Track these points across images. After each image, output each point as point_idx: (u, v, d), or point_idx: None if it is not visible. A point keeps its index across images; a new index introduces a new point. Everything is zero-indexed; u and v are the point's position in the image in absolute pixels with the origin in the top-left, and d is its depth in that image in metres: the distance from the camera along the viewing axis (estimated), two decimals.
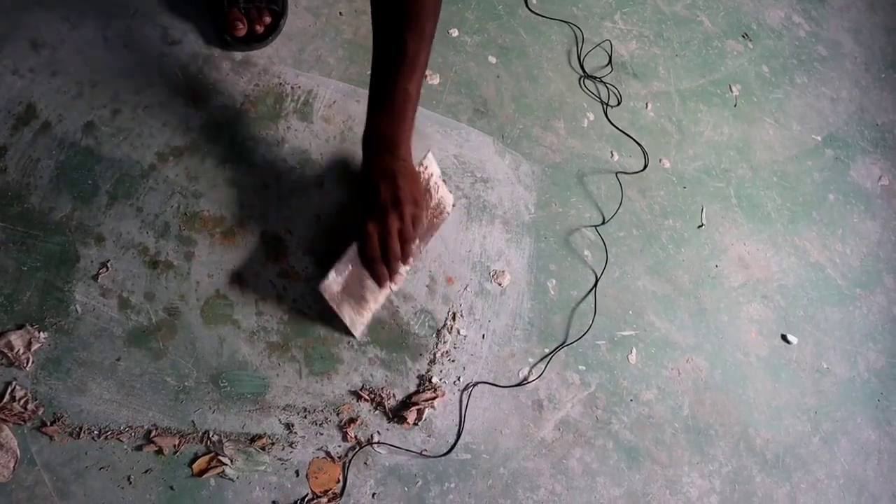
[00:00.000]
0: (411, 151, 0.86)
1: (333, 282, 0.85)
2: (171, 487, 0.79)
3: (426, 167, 0.93)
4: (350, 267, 0.86)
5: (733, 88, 1.23)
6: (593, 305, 0.99)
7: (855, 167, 1.25)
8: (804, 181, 1.20)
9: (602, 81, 1.14)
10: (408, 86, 0.81)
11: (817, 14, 1.37)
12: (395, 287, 0.89)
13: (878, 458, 1.05)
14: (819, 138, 1.24)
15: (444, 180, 0.96)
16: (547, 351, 0.95)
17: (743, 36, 1.29)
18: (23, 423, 0.77)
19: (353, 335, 0.88)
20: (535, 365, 0.95)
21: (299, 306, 0.89)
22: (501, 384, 0.92)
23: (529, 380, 0.93)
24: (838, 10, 1.39)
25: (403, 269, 0.85)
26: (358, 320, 0.87)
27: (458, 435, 0.89)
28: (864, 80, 1.33)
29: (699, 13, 1.28)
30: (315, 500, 0.82)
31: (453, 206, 0.97)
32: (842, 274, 1.15)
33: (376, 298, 0.89)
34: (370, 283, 0.86)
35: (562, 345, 0.96)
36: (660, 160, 1.12)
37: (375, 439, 0.85)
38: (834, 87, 1.30)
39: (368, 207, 0.84)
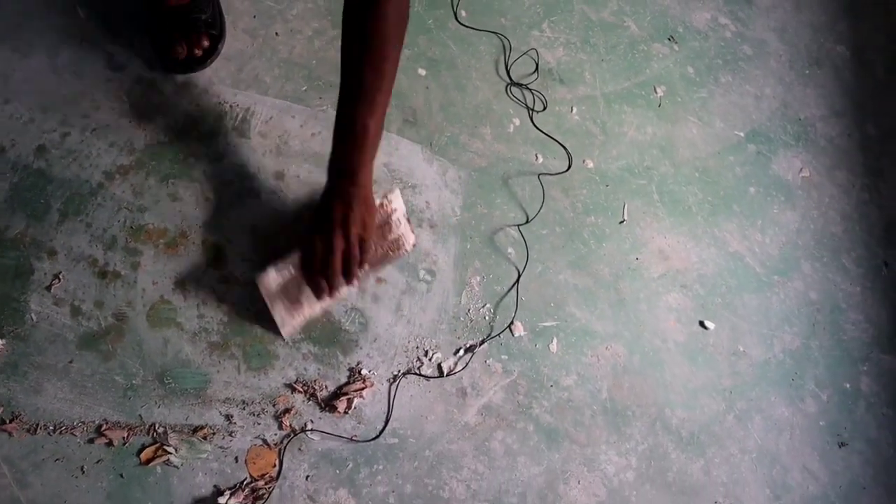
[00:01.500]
0: (372, 180, 0.92)
1: (272, 278, 0.93)
2: (121, 475, 0.87)
3: (390, 201, 1.01)
4: (291, 270, 0.94)
5: (658, 90, 1.30)
6: (514, 299, 1.07)
7: (777, 161, 1.32)
8: (725, 176, 1.27)
9: (528, 88, 1.22)
10: (367, 121, 0.86)
11: (744, 15, 1.44)
12: (331, 301, 0.96)
13: (791, 433, 1.13)
14: (742, 134, 1.32)
15: (408, 219, 1.03)
16: (471, 343, 1.04)
17: (669, 39, 1.36)
18: None
19: (280, 335, 0.96)
20: (460, 357, 1.03)
21: (238, 308, 0.97)
22: (427, 374, 1.00)
23: (455, 370, 1.01)
24: (765, 10, 1.45)
25: (344, 288, 0.93)
26: (288, 321, 0.95)
27: (386, 421, 0.97)
28: (788, 77, 1.40)
29: (626, 19, 1.35)
30: (253, 483, 0.90)
31: (414, 245, 1.04)
32: (760, 262, 1.23)
33: (311, 306, 0.96)
34: (308, 291, 0.94)
35: (488, 337, 1.04)
36: (583, 161, 1.20)
37: (309, 427, 0.94)
38: (758, 85, 1.37)
39: (317, 224, 0.90)
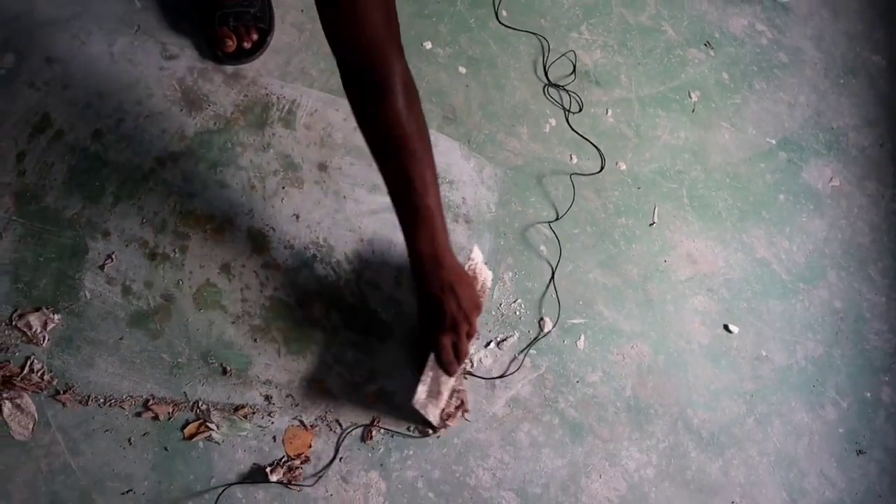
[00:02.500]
0: (454, 255, 0.93)
1: (421, 393, 0.96)
2: (166, 448, 0.92)
3: (474, 260, 1.04)
4: (430, 374, 0.97)
5: (692, 94, 1.32)
6: (546, 295, 1.10)
7: (807, 169, 1.33)
8: (756, 182, 1.29)
9: (565, 89, 1.24)
10: (427, 202, 0.86)
11: (780, 22, 1.45)
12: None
13: (809, 439, 1.15)
14: (773, 141, 1.33)
15: (485, 263, 1.07)
16: (501, 338, 1.07)
17: (705, 44, 1.37)
18: (40, 391, 0.91)
19: (433, 427, 0.99)
20: (493, 351, 1.06)
21: (279, 294, 1.01)
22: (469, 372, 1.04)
23: (508, 372, 1.05)
24: (802, 18, 1.46)
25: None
26: (434, 414, 0.98)
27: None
28: (823, 86, 1.41)
29: (663, 23, 1.36)
30: (289, 462, 0.94)
31: (492, 279, 1.07)
32: (786, 269, 1.24)
33: (448, 388, 0.99)
34: (444, 378, 0.98)
35: (535, 340, 1.07)
36: (616, 163, 1.22)
37: (344, 414, 0.98)
38: (792, 93, 1.38)
39: (439, 321, 0.92)
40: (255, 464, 0.94)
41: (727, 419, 1.13)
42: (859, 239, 1.28)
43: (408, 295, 1.06)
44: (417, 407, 0.95)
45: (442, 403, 0.99)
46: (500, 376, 1.05)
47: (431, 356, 0.96)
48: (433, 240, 0.89)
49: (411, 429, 0.99)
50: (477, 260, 1.05)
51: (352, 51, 0.82)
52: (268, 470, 0.92)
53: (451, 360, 0.93)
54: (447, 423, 0.99)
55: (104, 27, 1.08)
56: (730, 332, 1.18)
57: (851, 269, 1.26)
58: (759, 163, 1.31)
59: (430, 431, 0.99)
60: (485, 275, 1.05)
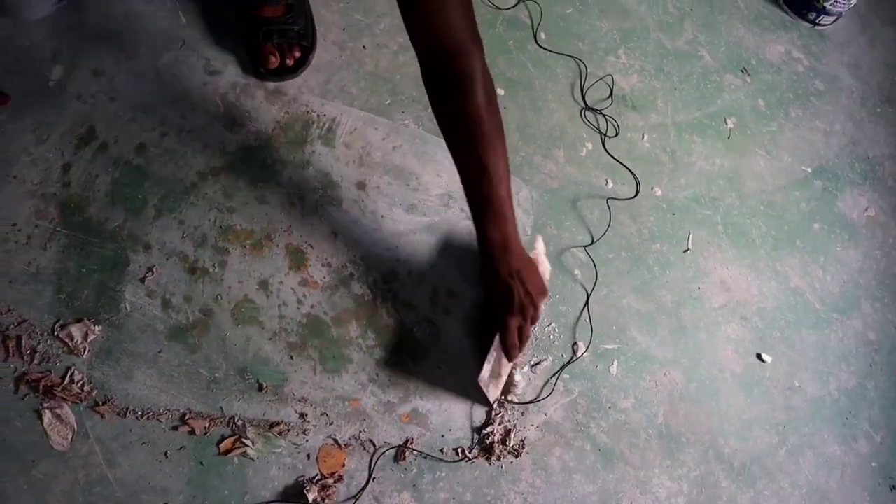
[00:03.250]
0: (521, 242, 0.97)
1: (486, 372, 0.99)
2: (201, 463, 0.92)
3: (537, 250, 1.08)
4: (495, 354, 1.00)
5: (728, 121, 1.32)
6: (580, 320, 1.10)
7: (842, 198, 1.32)
8: (790, 210, 1.28)
9: (602, 113, 1.24)
10: (500, 192, 0.90)
11: (817, 49, 1.44)
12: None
13: (842, 472, 1.14)
14: (809, 170, 1.33)
15: (546, 254, 1.10)
16: (534, 361, 1.07)
17: (742, 70, 1.37)
18: (79, 402, 0.92)
19: (490, 404, 1.02)
20: (526, 374, 1.06)
21: (316, 312, 1.01)
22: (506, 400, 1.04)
23: (540, 397, 1.05)
24: (839, 46, 1.46)
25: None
26: (494, 393, 1.01)
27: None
28: (859, 115, 1.40)
29: (700, 48, 1.36)
30: (323, 481, 0.94)
31: (549, 271, 1.10)
32: (820, 299, 1.24)
33: (507, 370, 1.03)
34: (505, 360, 1.01)
35: (568, 363, 1.07)
36: (652, 188, 1.22)
37: (378, 434, 0.98)
38: (828, 121, 1.38)
39: (507, 304, 0.95)
40: (289, 482, 0.94)
41: (759, 449, 1.12)
42: (894, 270, 1.28)
43: (443, 317, 1.06)
44: (482, 384, 0.98)
45: (501, 384, 1.02)
46: (533, 401, 1.04)
47: (497, 338, 0.99)
48: (504, 227, 0.93)
49: (444, 450, 0.99)
50: (539, 250, 1.08)
51: (435, 50, 0.84)
52: (305, 489, 0.92)
53: (516, 344, 0.96)
54: (505, 398, 1.03)
55: (150, 42, 1.10)
56: (763, 361, 1.17)
57: (886, 301, 1.25)
58: (795, 191, 1.30)
59: (488, 407, 1.03)
60: (545, 265, 1.08)
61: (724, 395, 1.13)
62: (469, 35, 0.85)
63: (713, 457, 1.09)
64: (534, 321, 0.98)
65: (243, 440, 0.94)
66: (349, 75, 1.15)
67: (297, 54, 1.11)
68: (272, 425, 0.96)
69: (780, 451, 1.12)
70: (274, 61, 1.09)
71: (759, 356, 1.17)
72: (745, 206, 1.26)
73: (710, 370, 1.14)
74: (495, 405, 1.02)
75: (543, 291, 0.99)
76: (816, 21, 1.45)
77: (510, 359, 0.99)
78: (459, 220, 1.11)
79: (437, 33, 0.83)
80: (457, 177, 1.13)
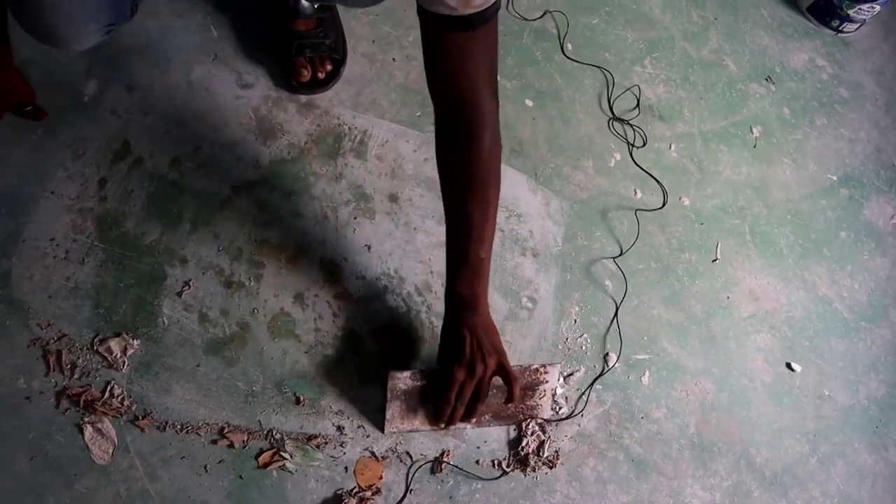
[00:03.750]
0: (488, 306, 0.95)
1: (402, 379, 0.96)
2: (241, 476, 0.93)
3: (547, 372, 1.02)
4: (424, 383, 0.97)
5: (754, 130, 1.32)
6: (611, 330, 1.10)
7: (869, 206, 1.33)
8: (817, 219, 1.29)
9: (629, 124, 1.25)
10: (479, 252, 0.89)
11: (841, 57, 1.45)
12: (443, 430, 0.99)
13: (873, 481, 1.14)
14: (835, 178, 1.33)
15: (554, 395, 1.04)
16: (567, 372, 1.07)
17: (766, 79, 1.37)
18: (119, 416, 0.92)
19: (380, 427, 0.98)
20: (560, 385, 1.06)
21: (351, 324, 1.02)
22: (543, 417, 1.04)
23: (556, 397, 1.05)
24: (862, 53, 1.46)
25: (462, 424, 0.98)
26: (396, 422, 0.97)
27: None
28: (884, 122, 1.40)
29: (725, 57, 1.37)
30: (361, 493, 0.95)
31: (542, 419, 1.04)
32: (849, 307, 1.24)
33: (423, 423, 0.98)
34: (426, 409, 0.97)
35: (600, 375, 1.07)
36: (680, 198, 1.23)
37: (414, 447, 0.98)
38: (853, 129, 1.38)
39: (457, 355, 0.93)
40: (327, 495, 0.94)
41: (790, 459, 1.12)
42: None
43: None
44: (389, 382, 0.95)
45: (406, 425, 0.97)
46: (569, 416, 1.05)
47: (436, 371, 0.96)
48: (474, 286, 0.92)
49: (480, 462, 1.00)
50: (549, 379, 1.02)
51: (452, 102, 0.84)
52: (343, 502, 0.93)
53: (450, 402, 0.93)
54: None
55: (182, 56, 1.11)
56: (792, 370, 1.17)
57: None
58: (821, 199, 1.30)
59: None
60: (545, 399, 1.02)
61: (754, 404, 1.13)
62: (488, 93, 0.84)
63: (745, 466, 1.10)
64: (481, 382, 0.93)
65: (282, 453, 0.94)
66: (380, 88, 1.16)
67: (329, 67, 1.12)
68: (310, 438, 0.96)
69: (812, 460, 1.13)
70: (306, 74, 1.10)
71: (788, 365, 1.17)
72: (773, 216, 1.26)
73: (740, 380, 1.14)
74: (385, 432, 0.98)
75: (498, 351, 0.94)
76: (840, 28, 1.45)
77: (437, 412, 0.95)
78: None
79: (457, 87, 0.82)
80: None
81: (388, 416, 0.97)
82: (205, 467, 0.92)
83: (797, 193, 1.30)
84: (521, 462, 1.01)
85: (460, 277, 0.92)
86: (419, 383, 0.97)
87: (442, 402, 0.94)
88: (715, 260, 1.20)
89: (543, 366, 1.02)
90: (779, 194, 1.29)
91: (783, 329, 1.19)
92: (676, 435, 1.09)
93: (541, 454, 1.02)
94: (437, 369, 0.97)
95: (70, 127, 1.03)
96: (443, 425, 0.97)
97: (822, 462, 1.13)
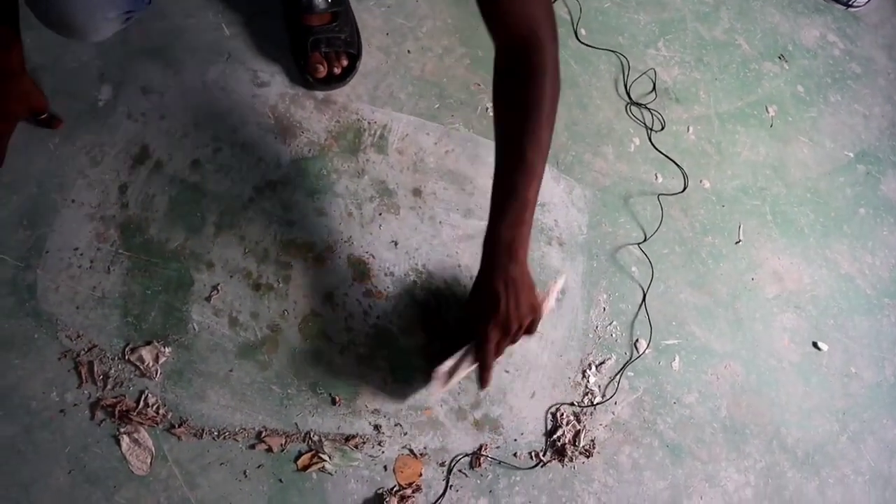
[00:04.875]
0: (528, 255, 0.90)
1: (445, 366, 0.94)
2: (280, 480, 0.92)
3: (556, 283, 1.02)
4: (462, 354, 0.95)
5: (769, 109, 1.31)
6: (639, 316, 1.10)
7: (886, 182, 1.33)
8: (836, 196, 1.29)
9: (647, 107, 1.24)
10: (528, 193, 0.85)
11: (852, 32, 1.44)
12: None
13: None
14: (851, 154, 1.33)
15: (559, 297, 1.05)
16: (599, 361, 1.07)
17: (779, 57, 1.37)
18: (155, 425, 0.91)
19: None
20: (593, 374, 1.06)
21: (382, 322, 1.01)
22: (569, 400, 1.04)
23: (606, 398, 1.05)
24: (872, 27, 1.45)
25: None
26: (439, 389, 0.96)
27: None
28: None
29: (737, 37, 1.36)
30: (401, 492, 0.94)
31: (551, 310, 1.04)
32: (871, 284, 1.24)
33: (462, 375, 0.96)
34: (466, 363, 0.94)
35: (629, 361, 1.07)
36: (700, 181, 1.22)
37: (452, 442, 0.98)
38: (867, 104, 1.38)
39: (489, 311, 0.89)
40: (368, 494, 0.94)
41: (821, 437, 1.13)
42: None
43: None
44: (435, 377, 0.93)
45: (452, 383, 0.96)
46: (602, 401, 1.05)
47: (472, 344, 0.94)
48: (519, 229, 0.87)
49: (517, 454, 1.00)
50: (557, 286, 1.02)
51: (515, 36, 0.81)
52: (385, 501, 0.93)
53: (490, 364, 0.91)
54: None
55: (196, 56, 1.08)
56: (819, 349, 1.17)
57: None
58: (839, 177, 1.30)
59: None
60: (550, 302, 1.01)
61: (783, 384, 1.14)
62: (549, 21, 0.83)
63: (777, 447, 1.10)
64: (514, 340, 0.92)
65: (320, 455, 0.94)
66: (396, 81, 1.14)
67: (345, 62, 1.10)
68: (348, 438, 0.95)
69: (842, 438, 1.13)
70: (322, 70, 1.08)
71: (815, 344, 1.18)
72: (792, 195, 1.26)
73: (768, 360, 1.14)
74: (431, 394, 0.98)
75: (533, 309, 0.91)
76: (850, 3, 1.44)
77: (484, 374, 0.92)
78: None
79: (518, 23, 0.80)
80: None
81: (433, 391, 0.97)
82: (244, 472, 0.92)
83: (815, 171, 1.29)
84: (559, 452, 1.01)
85: (505, 217, 0.85)
86: (458, 358, 0.95)
87: (483, 367, 0.91)
88: (738, 241, 1.20)
89: (554, 280, 1.02)
90: (797, 173, 1.28)
91: (808, 308, 1.20)
92: (709, 419, 1.09)
93: (577, 443, 1.02)
94: (465, 319, 0.95)
95: (87, 133, 1.01)
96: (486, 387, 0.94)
97: (852, 440, 1.13)
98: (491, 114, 1.15)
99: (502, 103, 0.87)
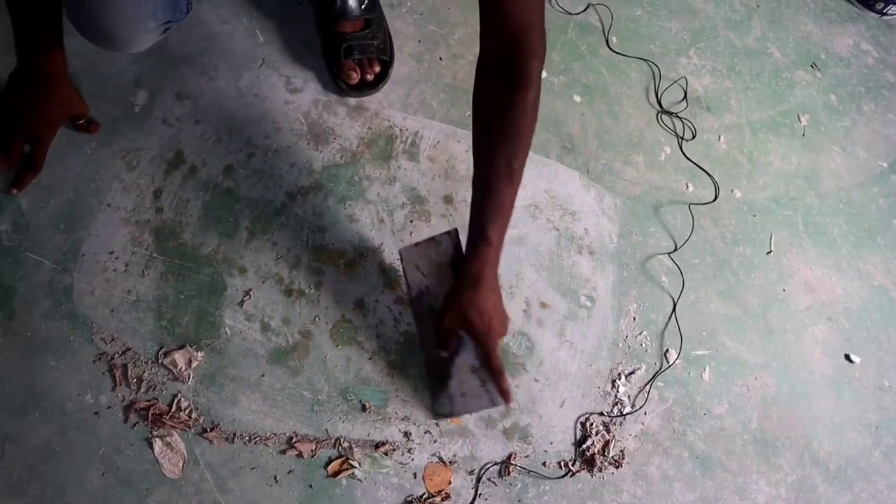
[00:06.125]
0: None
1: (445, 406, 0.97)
2: (311, 486, 0.92)
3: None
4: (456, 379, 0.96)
5: (802, 118, 1.30)
6: (669, 326, 1.09)
7: None
8: (869, 207, 1.27)
9: (678, 116, 1.23)
10: (513, 198, 0.89)
11: (886, 40, 1.42)
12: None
13: None
14: (885, 164, 1.31)
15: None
16: (628, 371, 1.06)
17: (812, 66, 1.35)
18: (188, 429, 0.92)
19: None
20: (623, 383, 1.05)
21: (412, 329, 1.01)
22: (598, 410, 1.03)
23: (636, 407, 1.04)
24: None
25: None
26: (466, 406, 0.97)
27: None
28: None
29: (769, 45, 1.35)
30: (430, 499, 0.94)
31: None
32: None
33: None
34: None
35: (659, 371, 1.07)
36: (732, 190, 1.21)
37: (481, 450, 0.98)
38: None
39: (469, 325, 0.91)
40: (397, 502, 0.94)
41: (853, 451, 1.11)
42: None
43: (536, 329, 1.05)
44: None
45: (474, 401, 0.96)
46: (631, 411, 1.04)
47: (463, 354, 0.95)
48: (502, 233, 0.89)
49: (546, 464, 0.99)
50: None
51: (507, 39, 0.81)
52: None
53: (500, 367, 0.92)
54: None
55: (230, 62, 1.09)
56: (851, 361, 1.16)
57: None
58: (872, 187, 1.29)
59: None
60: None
61: (815, 397, 1.12)
62: (541, 36, 0.83)
63: (809, 460, 1.09)
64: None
65: (350, 461, 0.94)
66: (428, 88, 1.14)
67: (377, 69, 1.10)
68: (377, 445, 0.96)
69: (875, 452, 1.12)
70: (355, 77, 1.08)
71: (847, 357, 1.16)
72: (825, 205, 1.25)
73: (799, 373, 1.13)
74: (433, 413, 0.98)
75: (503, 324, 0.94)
76: (884, 11, 1.42)
77: (503, 383, 0.92)
78: (547, 230, 1.10)
79: (514, 23, 0.81)
80: (541, 187, 1.12)
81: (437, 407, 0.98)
82: (275, 478, 0.92)
83: (848, 182, 1.28)
84: (588, 462, 1.00)
85: (493, 222, 0.88)
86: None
87: (500, 373, 0.93)
88: (769, 252, 1.19)
89: (433, 239, 0.99)
90: (830, 183, 1.27)
91: (840, 320, 1.18)
92: (739, 430, 1.08)
93: (606, 454, 1.01)
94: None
95: (122, 138, 1.02)
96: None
97: (885, 454, 1.12)
98: None
99: (487, 111, 0.87)
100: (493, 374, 0.93)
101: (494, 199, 0.88)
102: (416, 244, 0.99)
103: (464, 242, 0.95)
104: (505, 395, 0.93)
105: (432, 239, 0.98)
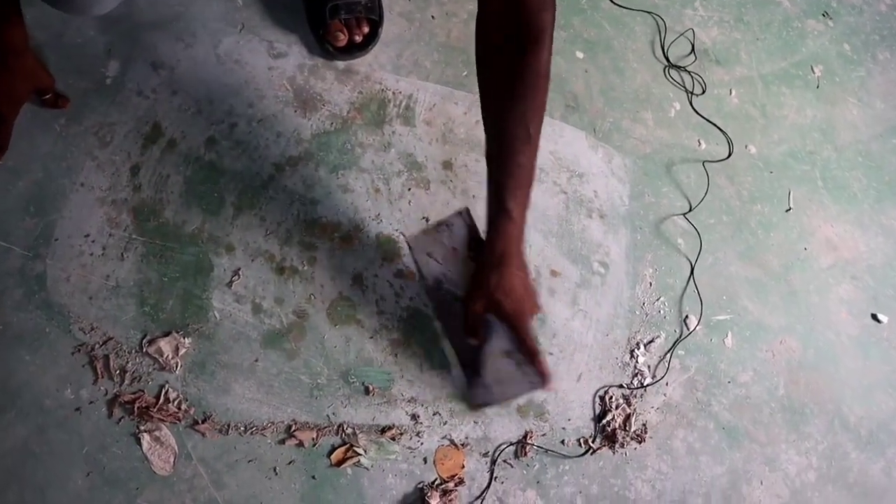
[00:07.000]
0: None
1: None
2: (313, 477, 0.86)
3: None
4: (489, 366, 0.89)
5: (815, 69, 1.24)
6: (687, 291, 1.03)
7: None
8: (889, 160, 1.21)
9: (686, 70, 1.16)
10: (534, 162, 0.82)
11: None
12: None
13: None
14: None
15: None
16: (647, 339, 1.00)
17: (823, 14, 1.28)
18: (178, 421, 0.85)
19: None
20: (641, 353, 0.99)
21: (415, 304, 0.94)
22: (617, 382, 0.97)
23: (656, 379, 0.98)
24: None
25: None
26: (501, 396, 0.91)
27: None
28: None
29: None
30: (443, 485, 0.88)
31: None
32: None
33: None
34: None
35: (679, 339, 1.00)
36: (746, 146, 1.14)
37: (495, 430, 0.91)
38: None
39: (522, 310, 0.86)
40: (408, 489, 0.87)
41: (884, 415, 1.05)
42: None
43: (548, 299, 0.99)
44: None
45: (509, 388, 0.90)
46: (652, 382, 0.98)
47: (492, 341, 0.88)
48: (525, 203, 0.82)
49: (565, 442, 0.93)
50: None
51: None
52: (426, 496, 0.86)
53: (536, 349, 0.86)
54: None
55: (207, 27, 1.02)
56: (878, 321, 1.10)
57: None
58: (891, 139, 1.22)
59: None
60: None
61: (842, 359, 1.06)
62: None
63: (839, 426, 1.03)
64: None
65: (355, 449, 0.87)
66: (421, 48, 1.07)
67: (366, 29, 1.03)
68: (384, 430, 0.89)
69: None
70: (342, 38, 1.01)
71: (874, 316, 1.10)
72: (843, 159, 1.18)
73: (825, 334, 1.07)
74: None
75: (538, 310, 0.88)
76: None
77: (541, 363, 0.87)
78: (554, 194, 1.03)
79: None
80: (546, 148, 1.06)
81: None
82: (274, 470, 0.85)
83: (866, 134, 1.21)
84: (609, 438, 0.94)
85: (515, 191, 0.81)
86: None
87: (537, 354, 0.87)
88: (788, 209, 1.12)
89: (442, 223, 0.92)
90: (847, 136, 1.20)
91: (865, 278, 1.12)
92: (766, 398, 1.02)
93: (628, 428, 0.95)
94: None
95: (94, 112, 0.95)
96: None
97: None
98: None
99: (498, 73, 0.79)
100: (529, 356, 0.86)
101: (514, 171, 0.80)
102: (425, 231, 0.91)
103: (476, 220, 0.88)
104: (544, 378, 0.86)
105: (442, 223, 0.91)
